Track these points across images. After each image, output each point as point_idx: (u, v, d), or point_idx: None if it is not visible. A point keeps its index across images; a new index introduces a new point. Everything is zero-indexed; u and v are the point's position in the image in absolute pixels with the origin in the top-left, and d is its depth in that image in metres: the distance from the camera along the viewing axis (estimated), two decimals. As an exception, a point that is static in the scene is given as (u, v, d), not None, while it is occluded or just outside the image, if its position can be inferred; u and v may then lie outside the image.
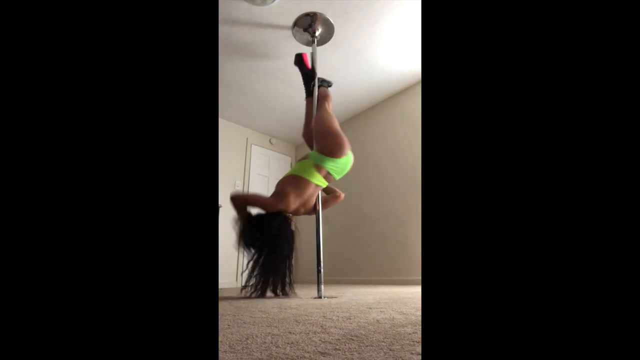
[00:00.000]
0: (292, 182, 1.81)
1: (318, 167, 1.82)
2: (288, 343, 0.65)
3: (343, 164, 1.86)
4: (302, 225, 4.21)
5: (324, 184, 1.88)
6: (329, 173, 1.86)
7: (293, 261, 1.84)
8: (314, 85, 2.22)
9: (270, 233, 1.74)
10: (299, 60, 2.35)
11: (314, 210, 1.97)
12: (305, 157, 1.97)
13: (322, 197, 2.03)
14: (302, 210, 1.91)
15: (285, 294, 1.80)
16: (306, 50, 2.70)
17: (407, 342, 0.63)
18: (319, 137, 1.87)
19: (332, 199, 2.06)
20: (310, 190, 1.83)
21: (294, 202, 1.80)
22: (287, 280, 1.80)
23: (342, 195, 2.08)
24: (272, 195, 1.83)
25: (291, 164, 4.63)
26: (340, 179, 3.77)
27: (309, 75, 2.30)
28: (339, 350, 0.59)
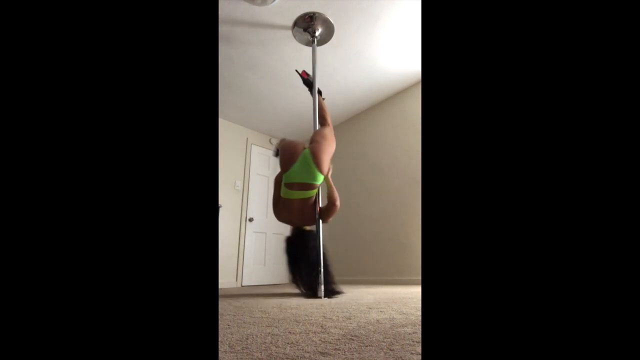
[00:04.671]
0: (282, 205, 1.99)
1: (288, 185, 1.92)
2: (288, 343, 0.65)
3: (298, 169, 1.90)
4: (302, 225, 4.22)
5: (305, 195, 1.92)
6: (300, 183, 1.90)
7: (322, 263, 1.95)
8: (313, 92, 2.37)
9: (297, 255, 2.00)
10: (303, 78, 2.49)
11: (314, 218, 2.01)
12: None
13: (321, 208, 2.03)
14: (308, 223, 2.02)
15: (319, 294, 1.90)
16: (306, 51, 2.70)
17: (407, 342, 0.63)
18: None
19: (327, 211, 2.04)
20: (295, 205, 1.94)
21: (290, 220, 2.01)
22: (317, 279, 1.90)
23: (338, 204, 2.05)
24: (280, 220, 2.07)
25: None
26: (340, 179, 3.77)
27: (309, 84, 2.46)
28: (339, 350, 0.59)
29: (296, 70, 2.59)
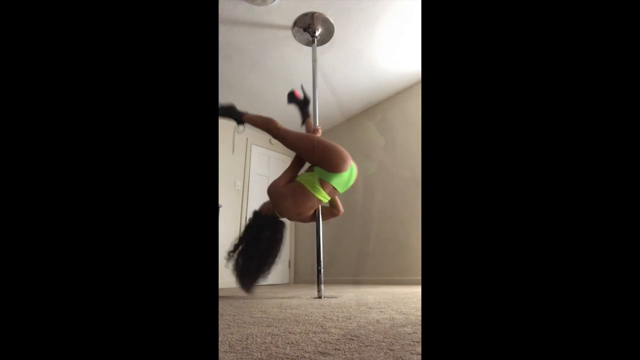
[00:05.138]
0: (294, 191, 1.80)
1: (322, 183, 1.80)
2: (288, 343, 0.65)
3: (347, 178, 1.84)
4: (302, 225, 4.22)
5: (326, 199, 1.87)
6: (334, 188, 1.84)
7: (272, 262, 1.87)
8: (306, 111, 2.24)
9: (258, 237, 1.82)
10: (292, 97, 2.32)
11: (311, 219, 1.96)
12: (310, 170, 1.92)
13: (322, 207, 2.01)
14: (296, 218, 1.91)
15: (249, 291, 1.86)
16: (306, 51, 2.70)
17: (407, 342, 0.64)
18: (321, 153, 1.82)
19: (331, 213, 2.04)
20: (311, 203, 1.83)
21: (287, 211, 1.84)
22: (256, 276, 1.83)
23: (342, 212, 2.06)
24: (272, 199, 1.86)
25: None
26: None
27: (304, 103, 2.29)
28: (339, 350, 0.59)
29: (302, 86, 2.36)
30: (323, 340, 0.67)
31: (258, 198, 4.04)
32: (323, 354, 0.57)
